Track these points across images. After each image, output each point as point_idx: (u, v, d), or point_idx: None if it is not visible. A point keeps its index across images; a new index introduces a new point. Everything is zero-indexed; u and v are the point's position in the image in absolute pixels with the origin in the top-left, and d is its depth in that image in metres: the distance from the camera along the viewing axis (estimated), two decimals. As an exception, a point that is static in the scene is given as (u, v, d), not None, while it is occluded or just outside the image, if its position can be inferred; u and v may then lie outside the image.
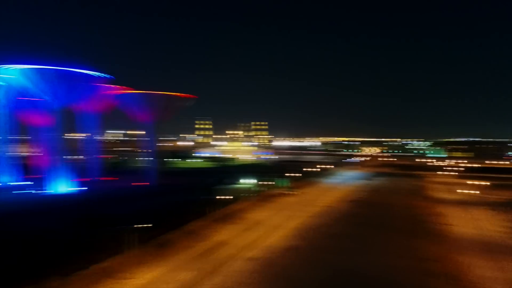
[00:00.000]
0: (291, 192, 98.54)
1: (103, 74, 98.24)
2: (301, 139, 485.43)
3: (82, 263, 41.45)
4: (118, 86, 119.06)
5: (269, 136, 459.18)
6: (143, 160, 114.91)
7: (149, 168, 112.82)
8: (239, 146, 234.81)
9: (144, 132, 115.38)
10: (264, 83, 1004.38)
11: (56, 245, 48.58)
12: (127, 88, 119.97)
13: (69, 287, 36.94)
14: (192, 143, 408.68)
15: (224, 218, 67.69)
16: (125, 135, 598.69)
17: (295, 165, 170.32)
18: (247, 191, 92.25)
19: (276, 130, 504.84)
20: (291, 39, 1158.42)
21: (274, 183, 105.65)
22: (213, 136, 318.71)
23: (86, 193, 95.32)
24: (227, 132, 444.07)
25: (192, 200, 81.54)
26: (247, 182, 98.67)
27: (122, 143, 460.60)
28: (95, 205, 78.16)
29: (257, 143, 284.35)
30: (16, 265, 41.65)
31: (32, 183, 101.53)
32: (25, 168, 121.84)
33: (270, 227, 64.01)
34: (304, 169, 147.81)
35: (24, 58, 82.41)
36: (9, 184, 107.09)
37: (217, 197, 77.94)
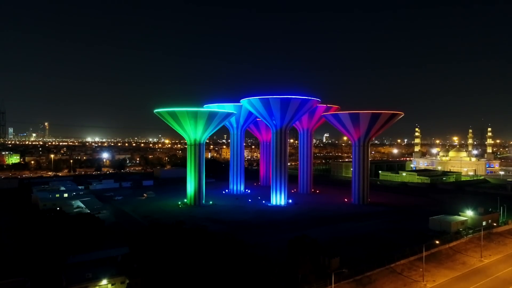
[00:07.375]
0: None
1: (311, 98, 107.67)
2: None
3: None
4: (326, 105, 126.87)
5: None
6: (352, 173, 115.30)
7: (357, 184, 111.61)
8: (462, 157, 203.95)
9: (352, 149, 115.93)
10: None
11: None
12: (334, 107, 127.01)
13: None
14: (409, 151, 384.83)
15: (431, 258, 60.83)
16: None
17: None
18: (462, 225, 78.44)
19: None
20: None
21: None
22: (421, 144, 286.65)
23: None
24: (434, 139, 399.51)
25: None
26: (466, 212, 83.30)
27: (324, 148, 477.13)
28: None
29: (480, 153, 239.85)
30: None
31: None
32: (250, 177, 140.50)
33: (496, 279, 53.55)
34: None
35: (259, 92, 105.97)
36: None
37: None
